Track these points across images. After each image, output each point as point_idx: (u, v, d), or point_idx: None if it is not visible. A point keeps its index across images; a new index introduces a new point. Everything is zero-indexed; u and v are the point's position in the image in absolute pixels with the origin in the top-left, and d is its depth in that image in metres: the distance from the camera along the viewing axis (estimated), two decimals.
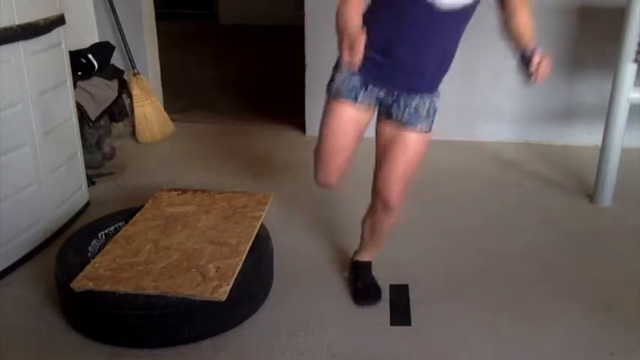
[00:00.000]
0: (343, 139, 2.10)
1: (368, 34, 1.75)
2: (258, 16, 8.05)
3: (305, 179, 3.43)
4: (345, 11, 1.86)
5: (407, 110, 2.03)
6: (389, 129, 2.10)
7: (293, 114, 4.30)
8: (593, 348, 2.10)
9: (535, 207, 3.16)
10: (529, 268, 2.59)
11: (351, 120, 2.07)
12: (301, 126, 4.19)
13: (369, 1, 1.96)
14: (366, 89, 2.02)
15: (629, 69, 2.89)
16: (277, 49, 6.75)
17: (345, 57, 1.75)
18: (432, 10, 1.83)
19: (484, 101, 3.99)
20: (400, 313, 2.27)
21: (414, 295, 2.37)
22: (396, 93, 2.02)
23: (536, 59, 1.79)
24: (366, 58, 1.81)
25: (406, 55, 1.94)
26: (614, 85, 2.97)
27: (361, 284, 2.38)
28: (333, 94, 2.07)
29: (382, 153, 2.14)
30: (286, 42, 5.75)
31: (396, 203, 2.16)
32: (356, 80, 2.01)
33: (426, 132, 2.07)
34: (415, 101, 2.02)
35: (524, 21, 1.93)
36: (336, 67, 2.08)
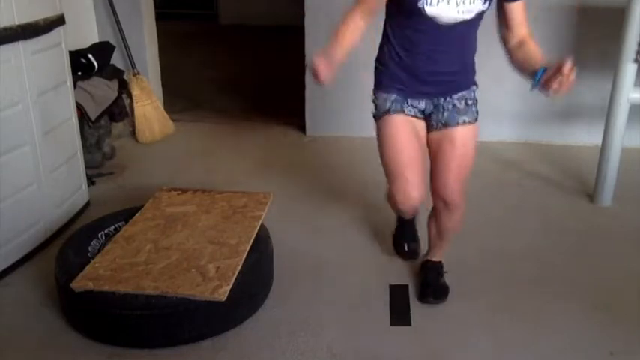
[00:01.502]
0: (407, 145, 2.09)
1: (386, 55, 2.01)
2: (258, 16, 8.05)
3: (305, 179, 3.44)
4: (339, 26, 1.96)
5: (445, 112, 2.08)
6: (435, 136, 2.13)
7: (293, 114, 4.29)
8: (593, 348, 2.10)
9: (535, 207, 3.16)
10: (529, 268, 2.59)
11: (406, 126, 2.09)
12: (301, 126, 4.18)
13: (387, 26, 2.06)
14: (407, 102, 2.08)
15: (629, 69, 2.89)
16: (277, 49, 6.75)
17: (311, 77, 1.86)
18: (438, 25, 1.91)
19: (484, 101, 3.91)
20: (400, 313, 2.27)
21: (414, 295, 2.37)
22: (435, 99, 2.08)
23: (566, 69, 1.65)
24: (392, 78, 2.04)
25: (423, 66, 2.02)
26: (614, 85, 2.97)
27: (429, 282, 2.37)
28: (380, 114, 2.11)
29: (434, 158, 2.16)
30: (286, 42, 5.75)
31: (457, 202, 2.17)
32: (395, 97, 2.07)
33: (470, 123, 2.10)
34: (451, 101, 2.08)
35: (534, 48, 1.95)
36: (375, 96, 2.14)
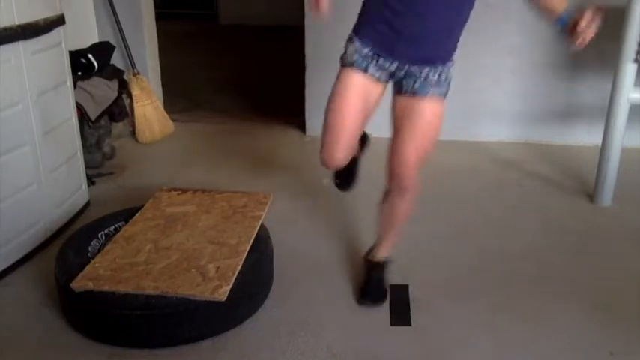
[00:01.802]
0: (349, 107, 2.03)
1: (378, 2, 1.85)
2: (258, 16, 8.05)
3: (305, 179, 3.44)
4: None
5: (417, 81, 2.01)
6: (402, 102, 2.06)
7: (293, 114, 4.29)
8: (593, 348, 2.10)
9: (535, 207, 3.16)
10: (529, 268, 2.59)
11: (358, 87, 2.02)
12: (301, 126, 4.18)
13: None
14: (377, 62, 2.00)
15: (629, 69, 2.89)
16: (277, 49, 6.75)
17: (309, 7, 1.77)
18: None
19: (484, 101, 3.98)
20: (400, 313, 2.27)
21: (414, 295, 2.37)
22: (407, 66, 2.00)
23: (587, 18, 1.71)
24: (373, 29, 1.91)
25: (410, 25, 1.93)
26: (614, 85, 2.97)
27: (369, 284, 2.35)
28: (344, 64, 2.05)
29: (396, 128, 2.10)
30: (286, 42, 5.75)
31: (411, 181, 2.11)
32: (367, 51, 2.00)
33: (439, 97, 2.03)
34: (425, 71, 2.00)
35: None
36: (350, 40, 2.06)
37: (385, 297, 2.33)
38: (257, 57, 6.68)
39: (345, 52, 2.06)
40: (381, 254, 2.39)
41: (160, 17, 4.39)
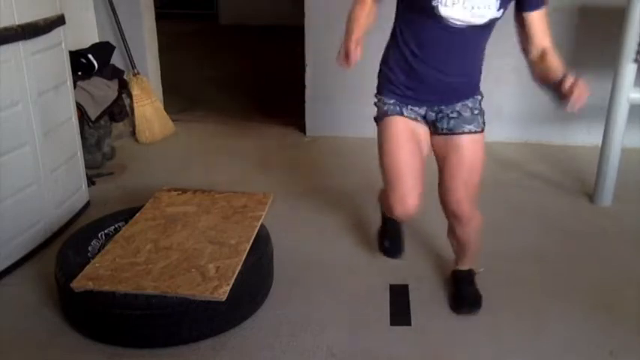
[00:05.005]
0: (405, 149, 2.04)
1: (391, 58, 1.95)
2: (258, 16, 8.04)
3: (305, 179, 3.44)
4: (353, 11, 1.92)
5: (450, 120, 2.04)
6: (440, 142, 2.09)
7: (293, 114, 4.29)
8: (593, 348, 2.10)
9: (535, 207, 3.16)
10: (529, 268, 2.59)
11: (406, 128, 2.04)
12: (301, 126, 4.18)
13: (395, 28, 2.01)
14: (407, 106, 2.04)
15: (629, 69, 2.89)
16: (277, 49, 6.75)
17: (339, 61, 1.84)
18: (450, 28, 1.86)
19: (484, 101, 3.97)
20: (400, 313, 2.27)
21: (414, 295, 2.37)
22: (435, 108, 2.04)
23: (568, 83, 1.72)
24: (395, 85, 1.99)
25: (431, 71, 1.96)
26: (614, 85, 2.97)
27: (461, 294, 2.32)
28: (380, 117, 2.08)
29: (440, 167, 2.13)
30: (286, 42, 5.75)
31: (466, 213, 2.12)
32: (394, 102, 2.04)
33: (476, 132, 2.05)
34: (457, 108, 2.03)
35: (555, 60, 1.90)
36: (377, 100, 2.11)
37: (480, 302, 2.28)
38: (257, 57, 6.68)
39: (378, 109, 2.10)
40: (465, 267, 2.37)
41: (159, 17, 4.39)
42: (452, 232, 2.27)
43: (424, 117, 2.07)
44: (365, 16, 1.92)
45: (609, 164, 3.08)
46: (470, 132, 2.04)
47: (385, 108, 2.05)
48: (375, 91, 2.12)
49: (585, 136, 3.93)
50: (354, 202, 3.10)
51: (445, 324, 2.22)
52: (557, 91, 1.77)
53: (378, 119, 2.10)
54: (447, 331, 2.18)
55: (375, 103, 2.12)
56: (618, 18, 2.90)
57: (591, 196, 3.22)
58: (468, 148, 2.05)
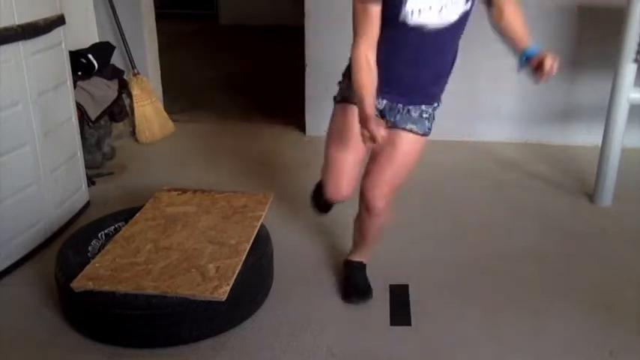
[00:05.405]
0: (352, 145, 2.08)
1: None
2: (258, 16, 8.04)
3: (305, 179, 3.43)
4: (360, 78, 1.88)
5: (399, 114, 2.06)
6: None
7: (293, 114, 4.29)
8: (593, 348, 2.10)
9: (535, 207, 3.16)
10: (529, 268, 2.59)
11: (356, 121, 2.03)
12: (301, 126, 4.18)
13: None
14: None
15: (629, 69, 2.89)
16: (277, 49, 6.75)
17: (366, 145, 1.85)
18: (422, 31, 1.87)
19: (484, 101, 3.99)
20: (400, 313, 2.27)
21: (414, 295, 2.37)
22: (393, 103, 2.05)
23: (544, 59, 1.78)
24: None
25: (405, 71, 1.98)
26: (614, 85, 2.97)
27: (351, 283, 2.38)
28: (341, 99, 2.10)
29: (372, 157, 2.15)
30: (286, 42, 5.75)
31: (379, 206, 2.15)
32: None
33: (417, 134, 2.07)
34: (407, 107, 2.05)
35: (514, 18, 1.93)
36: (342, 80, 2.11)
37: (369, 293, 2.33)
38: (257, 57, 6.68)
39: (340, 90, 2.12)
40: (358, 259, 2.43)
41: (159, 17, 4.39)
42: (358, 219, 2.31)
43: (380, 111, 2.07)
44: (372, 81, 1.90)
45: (609, 164, 3.08)
46: (411, 131, 2.06)
47: (349, 92, 2.03)
48: (343, 72, 2.11)
49: (585, 136, 3.93)
50: (354, 202, 3.10)
51: (445, 324, 2.22)
52: (529, 64, 1.84)
53: (339, 101, 2.12)
54: (447, 331, 2.18)
55: (339, 83, 2.13)
56: (618, 18, 2.90)
57: (591, 196, 3.22)
58: (405, 146, 2.07)
